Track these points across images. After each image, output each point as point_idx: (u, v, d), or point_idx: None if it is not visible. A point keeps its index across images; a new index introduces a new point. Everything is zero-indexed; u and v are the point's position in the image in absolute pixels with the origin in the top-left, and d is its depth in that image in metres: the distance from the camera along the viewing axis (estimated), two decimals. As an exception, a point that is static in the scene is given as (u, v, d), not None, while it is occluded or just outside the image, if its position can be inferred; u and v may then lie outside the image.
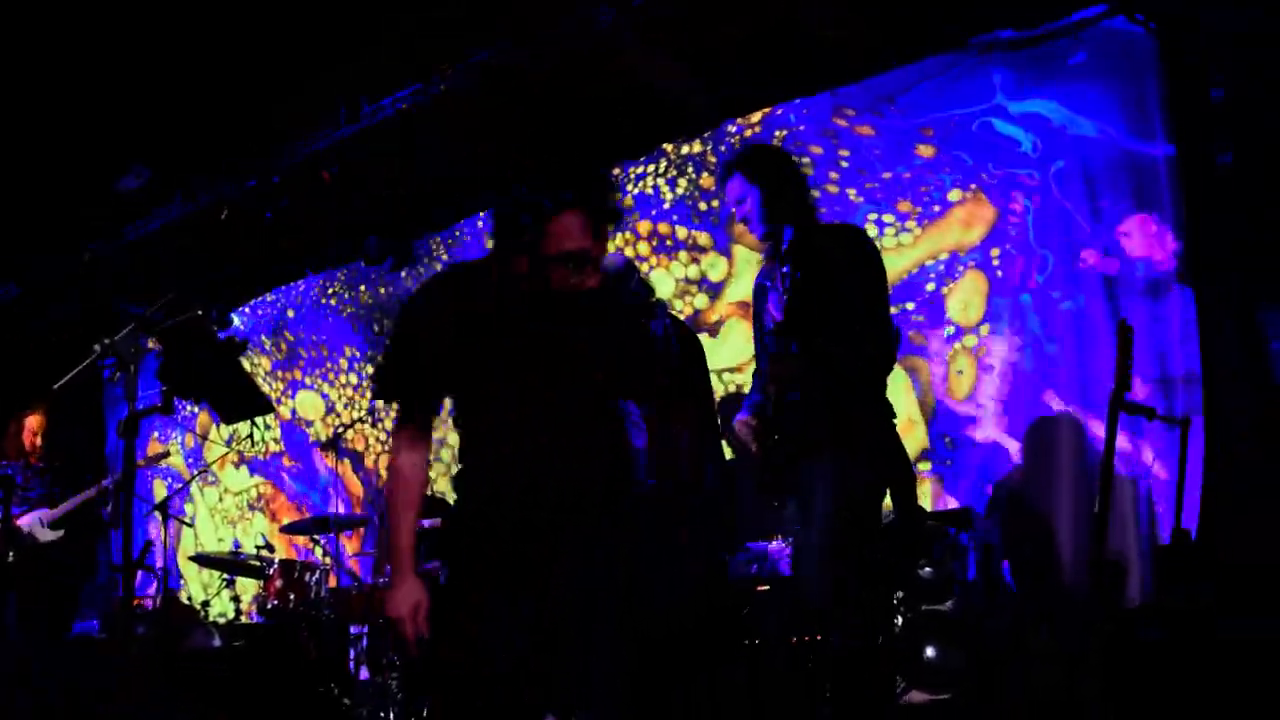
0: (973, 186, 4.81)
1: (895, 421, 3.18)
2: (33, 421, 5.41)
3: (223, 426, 7.78)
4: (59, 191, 6.07)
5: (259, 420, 7.42)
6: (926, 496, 4.69)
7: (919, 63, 4.93)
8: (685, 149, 5.92)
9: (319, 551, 5.71)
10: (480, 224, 6.80)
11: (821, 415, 2.97)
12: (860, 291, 2.98)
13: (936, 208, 4.91)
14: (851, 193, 5.17)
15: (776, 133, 5.48)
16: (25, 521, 5.30)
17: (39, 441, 5.39)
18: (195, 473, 6.25)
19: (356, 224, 6.66)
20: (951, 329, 4.83)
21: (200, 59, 5.11)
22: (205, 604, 5.78)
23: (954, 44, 4.84)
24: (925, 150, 4.95)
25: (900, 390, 4.76)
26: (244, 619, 5.81)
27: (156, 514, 5.99)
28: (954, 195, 4.87)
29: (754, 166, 3.11)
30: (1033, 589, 4.31)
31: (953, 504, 4.61)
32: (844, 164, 5.22)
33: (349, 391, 7.46)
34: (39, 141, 5.60)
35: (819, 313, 2.96)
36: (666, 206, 5.94)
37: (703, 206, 5.81)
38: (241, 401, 3.02)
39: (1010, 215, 4.70)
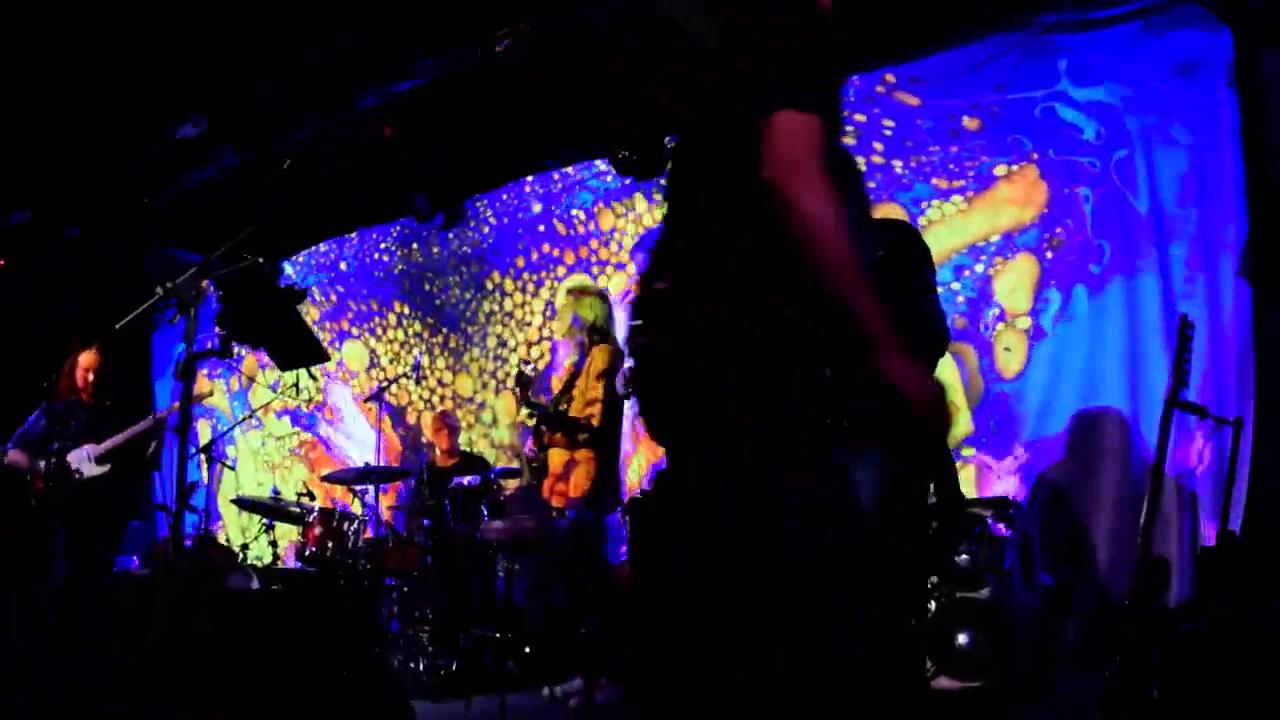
0: (1022, 164, 4.75)
1: None
2: (86, 359, 5.49)
3: (269, 371, 7.90)
4: (117, 136, 6.15)
5: (305, 370, 7.52)
6: (971, 483, 4.67)
7: (983, 41, 4.86)
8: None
9: (356, 504, 5.80)
10: (526, 188, 6.81)
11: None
12: (896, 288, 2.97)
13: (984, 185, 4.87)
14: (897, 164, 5.13)
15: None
16: (72, 457, 5.41)
17: (91, 379, 5.47)
18: (241, 418, 6.34)
19: (409, 180, 6.70)
20: (996, 310, 4.79)
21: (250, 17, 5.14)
22: (244, 547, 5.87)
23: (1019, 24, 4.76)
24: (972, 124, 4.89)
25: (945, 375, 4.73)
26: (280, 564, 5.92)
27: (200, 456, 6.11)
28: (1000, 170, 4.81)
29: None
30: (1066, 583, 4.29)
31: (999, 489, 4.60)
32: (888, 133, 5.19)
33: (395, 347, 7.53)
34: (97, 85, 5.66)
35: None
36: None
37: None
38: (298, 349, 3.05)
39: (1066, 201, 4.64)
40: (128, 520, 5.66)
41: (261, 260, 2.96)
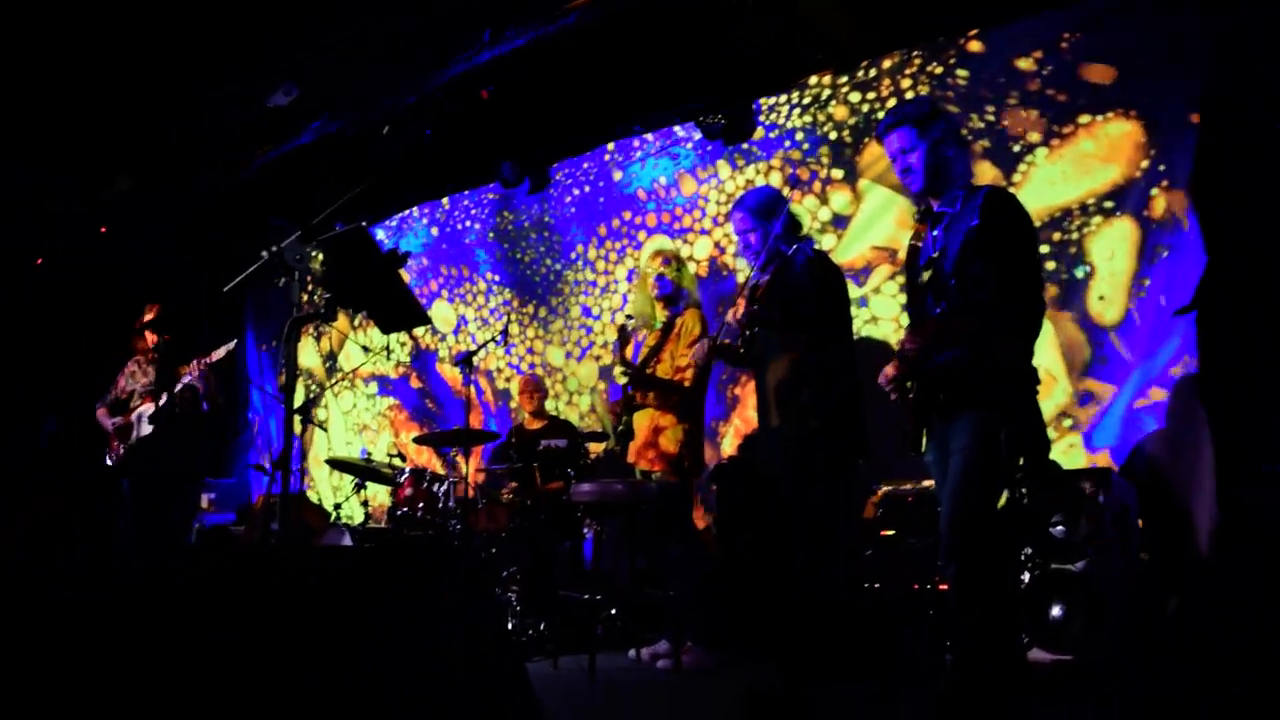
0: (1130, 111, 4.59)
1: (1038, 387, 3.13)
2: (145, 319, 5.73)
3: (359, 332, 8.06)
4: (216, 105, 6.30)
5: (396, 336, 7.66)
6: (1066, 453, 4.58)
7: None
8: (816, 79, 5.82)
9: (439, 466, 5.88)
10: (607, 156, 6.81)
11: (964, 377, 2.94)
12: (1002, 257, 2.92)
13: (1087, 139, 4.74)
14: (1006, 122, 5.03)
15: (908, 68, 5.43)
16: (133, 416, 5.68)
17: (151, 336, 5.70)
18: (334, 380, 6.47)
19: (498, 146, 6.75)
20: (1087, 269, 4.67)
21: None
22: (337, 506, 6.02)
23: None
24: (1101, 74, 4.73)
25: (1045, 345, 4.63)
26: (371, 524, 6.05)
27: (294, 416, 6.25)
28: (1117, 128, 4.66)
29: (927, 123, 3.06)
30: (1165, 557, 4.19)
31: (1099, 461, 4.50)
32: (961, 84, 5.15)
33: (484, 313, 7.62)
34: (191, 56, 5.80)
35: (964, 277, 2.92)
36: (800, 139, 5.86)
37: (833, 136, 5.72)
38: (400, 313, 3.12)
39: (1170, 156, 4.48)
40: (189, 477, 5.81)
41: (364, 224, 3.02)
